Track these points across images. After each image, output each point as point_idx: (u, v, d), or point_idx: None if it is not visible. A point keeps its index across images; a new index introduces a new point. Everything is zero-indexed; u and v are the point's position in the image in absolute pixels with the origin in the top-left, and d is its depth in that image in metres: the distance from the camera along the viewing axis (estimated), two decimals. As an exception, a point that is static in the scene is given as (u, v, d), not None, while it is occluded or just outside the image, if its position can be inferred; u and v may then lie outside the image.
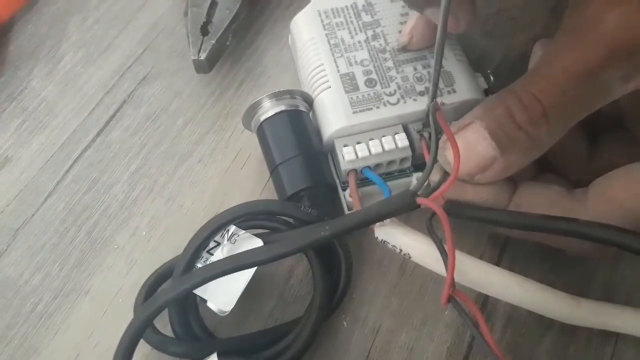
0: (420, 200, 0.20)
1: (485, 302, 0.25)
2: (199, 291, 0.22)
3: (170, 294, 0.21)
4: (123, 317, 0.23)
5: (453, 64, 0.27)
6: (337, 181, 0.26)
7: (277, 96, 0.26)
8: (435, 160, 0.21)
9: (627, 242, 0.19)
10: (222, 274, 0.21)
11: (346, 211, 0.26)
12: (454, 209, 0.22)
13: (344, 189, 0.26)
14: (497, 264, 0.26)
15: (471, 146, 0.21)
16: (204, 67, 0.28)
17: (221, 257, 0.23)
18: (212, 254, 0.23)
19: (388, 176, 0.27)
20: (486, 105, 0.23)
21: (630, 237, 0.19)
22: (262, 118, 0.26)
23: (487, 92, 0.27)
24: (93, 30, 0.33)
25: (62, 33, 0.33)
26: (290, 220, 0.24)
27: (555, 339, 0.24)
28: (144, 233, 0.27)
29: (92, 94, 0.31)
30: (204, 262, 0.23)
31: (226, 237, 0.23)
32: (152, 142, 0.29)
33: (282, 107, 0.26)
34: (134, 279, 0.26)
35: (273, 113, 0.26)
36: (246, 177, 0.28)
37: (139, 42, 0.32)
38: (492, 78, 0.27)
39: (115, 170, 0.29)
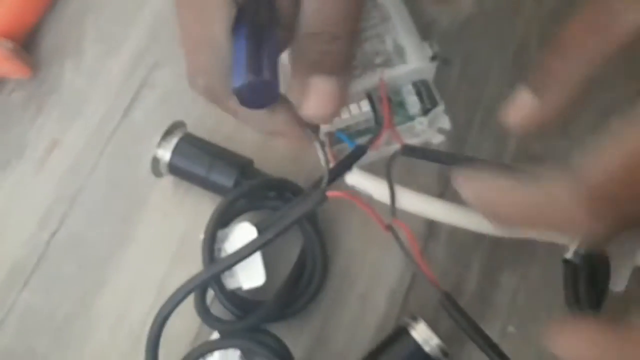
0: (330, 193, 0.27)
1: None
2: (231, 284, 0.30)
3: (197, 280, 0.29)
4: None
5: (404, 37, 0.34)
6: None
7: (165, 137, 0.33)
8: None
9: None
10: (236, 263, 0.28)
11: (323, 164, 0.33)
12: (410, 151, 0.30)
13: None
14: (442, 195, 0.33)
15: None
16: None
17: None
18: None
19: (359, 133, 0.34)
20: None
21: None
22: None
23: (433, 58, 0.34)
24: (109, 27, 0.39)
25: (82, 31, 0.39)
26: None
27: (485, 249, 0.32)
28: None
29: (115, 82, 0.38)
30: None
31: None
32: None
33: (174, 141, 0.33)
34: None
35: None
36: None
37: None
38: (436, 46, 0.34)
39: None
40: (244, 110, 0.24)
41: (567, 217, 0.18)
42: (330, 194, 0.27)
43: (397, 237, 0.27)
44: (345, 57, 0.23)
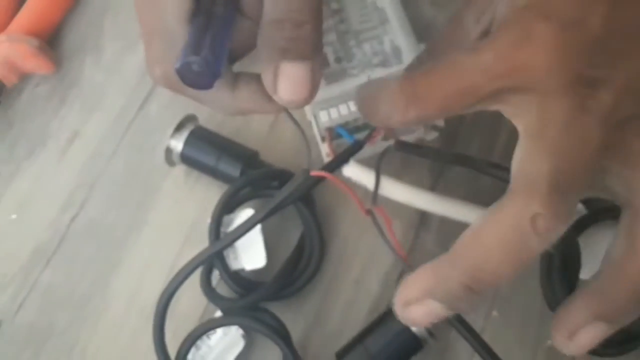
0: (313, 173, 0.29)
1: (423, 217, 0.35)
2: (235, 265, 0.33)
3: (201, 256, 0.31)
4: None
5: (401, 39, 0.36)
6: (319, 136, 0.36)
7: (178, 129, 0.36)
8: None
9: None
10: (237, 239, 0.31)
11: (324, 157, 0.35)
12: (402, 146, 0.32)
13: (323, 141, 0.36)
14: (434, 187, 0.35)
15: None
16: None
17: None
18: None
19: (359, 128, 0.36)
20: None
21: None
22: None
23: (427, 59, 0.36)
24: (127, 25, 0.42)
25: (101, 29, 0.42)
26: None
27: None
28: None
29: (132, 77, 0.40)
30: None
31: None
32: (181, 113, 0.39)
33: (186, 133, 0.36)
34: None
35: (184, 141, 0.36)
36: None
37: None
38: (429, 48, 0.36)
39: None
40: (205, 95, 0.24)
41: (393, 105, 0.23)
42: (313, 173, 0.29)
43: (374, 220, 0.30)
44: (312, 42, 0.23)
